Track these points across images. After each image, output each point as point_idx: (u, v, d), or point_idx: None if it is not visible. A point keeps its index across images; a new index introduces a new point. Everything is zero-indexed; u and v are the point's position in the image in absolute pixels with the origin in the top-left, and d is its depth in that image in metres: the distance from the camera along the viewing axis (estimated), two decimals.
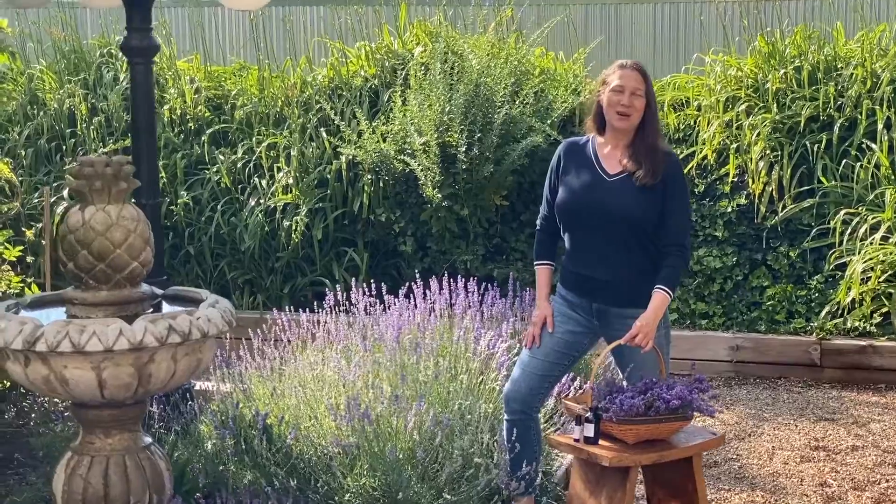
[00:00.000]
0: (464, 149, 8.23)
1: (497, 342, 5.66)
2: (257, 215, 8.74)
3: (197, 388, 6.25)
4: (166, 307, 4.51)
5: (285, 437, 5.26)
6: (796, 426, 6.61)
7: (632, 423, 4.42)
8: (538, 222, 5.03)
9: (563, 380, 5.47)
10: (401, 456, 4.91)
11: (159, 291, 4.61)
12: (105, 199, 4.23)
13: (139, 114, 6.11)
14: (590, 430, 4.49)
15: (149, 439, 4.37)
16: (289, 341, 6.03)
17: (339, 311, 6.06)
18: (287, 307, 8.53)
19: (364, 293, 6.17)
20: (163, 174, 9.06)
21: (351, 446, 5.05)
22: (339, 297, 6.14)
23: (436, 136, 8.29)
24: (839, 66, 8.81)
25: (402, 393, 5.19)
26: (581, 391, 5.23)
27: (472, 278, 6.38)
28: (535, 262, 5.05)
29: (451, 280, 6.29)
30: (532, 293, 6.64)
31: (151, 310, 4.41)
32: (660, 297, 4.60)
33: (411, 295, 6.18)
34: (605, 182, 4.71)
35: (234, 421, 5.34)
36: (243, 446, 5.28)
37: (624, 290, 4.70)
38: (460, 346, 5.68)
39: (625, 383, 4.72)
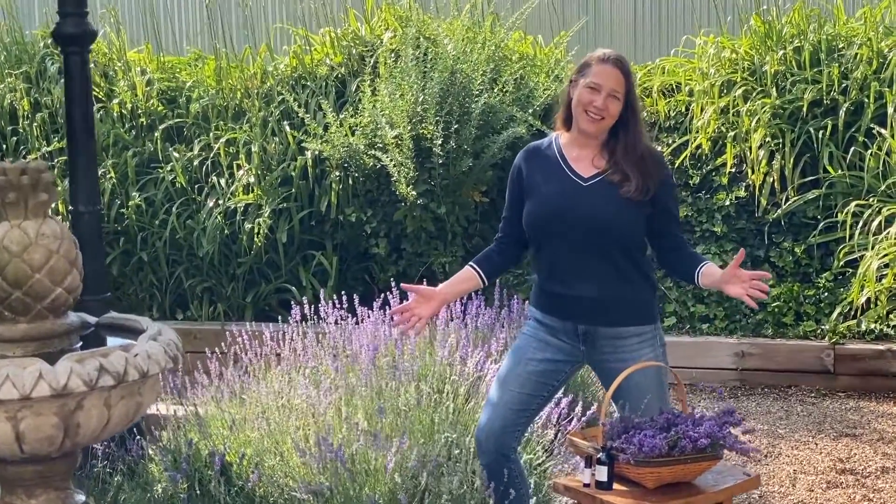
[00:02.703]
0: (440, 142, 7.57)
1: (486, 363, 5.00)
2: (216, 217, 8.07)
3: (147, 411, 5.54)
4: (109, 340, 3.84)
5: (246, 478, 4.60)
6: (816, 444, 5.96)
7: (652, 466, 3.76)
8: (496, 236, 4.35)
9: (562, 403, 4.83)
10: (380, 501, 4.25)
11: (92, 320, 3.93)
12: (21, 214, 3.55)
13: (75, 109, 5.42)
14: (602, 473, 3.82)
15: (82, 497, 3.69)
16: (251, 362, 5.34)
17: (308, 325, 5.39)
18: (250, 317, 7.97)
19: (334, 306, 5.50)
20: (112, 174, 8.40)
21: (322, 488, 4.39)
22: (307, 310, 5.46)
23: (409, 128, 7.62)
24: (841, 47, 8.19)
25: (381, 427, 4.52)
26: (584, 422, 4.57)
27: None
28: (468, 263, 4.33)
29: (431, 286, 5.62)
30: (520, 304, 6.02)
31: (81, 344, 3.72)
32: (716, 268, 3.98)
33: (387, 307, 5.51)
34: (581, 188, 4.03)
35: (188, 461, 4.66)
36: (198, 490, 4.61)
37: (612, 307, 4.03)
38: (444, 368, 5.01)
39: (615, 411, 4.07)
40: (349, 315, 5.52)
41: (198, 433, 4.94)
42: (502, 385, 4.16)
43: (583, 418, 4.90)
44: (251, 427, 4.90)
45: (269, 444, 4.77)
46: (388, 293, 5.56)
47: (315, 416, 4.79)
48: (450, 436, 4.60)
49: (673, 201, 4.13)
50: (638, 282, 4.05)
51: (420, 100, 7.70)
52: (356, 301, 5.71)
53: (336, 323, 5.46)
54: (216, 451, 4.65)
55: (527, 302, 6.06)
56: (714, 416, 3.84)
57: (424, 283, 5.74)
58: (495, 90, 7.91)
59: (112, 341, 3.77)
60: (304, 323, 5.39)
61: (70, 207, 5.46)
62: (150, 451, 5.02)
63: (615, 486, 3.84)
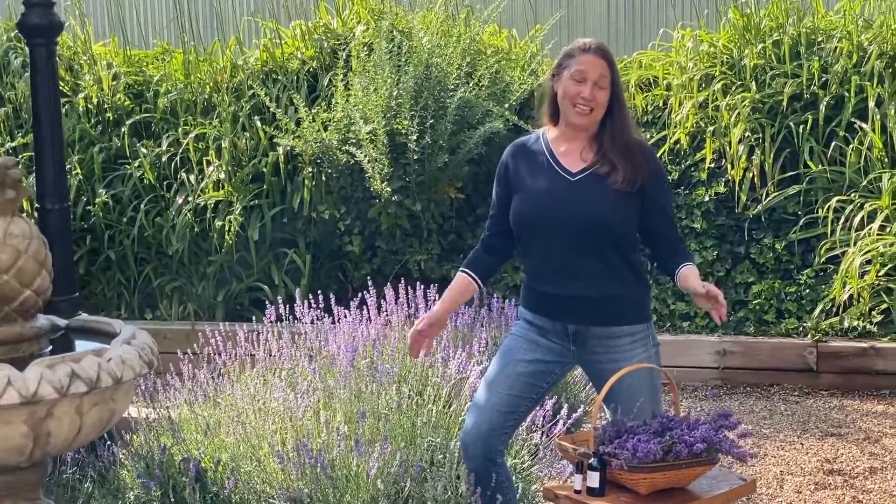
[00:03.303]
0: (415, 137, 7.41)
1: (469, 364, 4.85)
2: (185, 215, 7.89)
3: None
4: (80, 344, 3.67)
5: (222, 484, 4.44)
6: (802, 444, 5.85)
7: (646, 471, 3.62)
8: (482, 235, 4.22)
9: (547, 405, 4.69)
10: None
11: (62, 323, 3.76)
12: None
13: (41, 103, 5.22)
14: (594, 479, 3.68)
15: None
16: (224, 364, 5.17)
17: (283, 325, 5.23)
18: (221, 317, 7.79)
19: (310, 306, 5.34)
20: (78, 171, 8.21)
21: (302, 495, 4.24)
22: (282, 309, 5.30)
23: (383, 123, 7.46)
24: (820, 40, 8.09)
25: (362, 432, 4.37)
26: (570, 424, 4.43)
27: (431, 285, 5.57)
28: (459, 269, 4.21)
29: (407, 286, 5.49)
30: (499, 302, 5.88)
31: (51, 349, 3.55)
32: (694, 271, 3.86)
33: (364, 307, 5.36)
34: (569, 183, 3.90)
35: (161, 467, 4.50)
36: (172, 498, 4.45)
37: (604, 305, 3.90)
38: (426, 370, 4.86)
39: (607, 413, 3.94)
40: (325, 315, 5.38)
41: (171, 438, 4.77)
42: (490, 387, 4.03)
43: (568, 420, 4.77)
44: (226, 431, 4.74)
45: (246, 449, 4.61)
46: (364, 292, 5.41)
47: (293, 420, 4.64)
48: (433, 440, 4.46)
49: (663, 194, 3.99)
50: (629, 279, 3.92)
51: (394, 94, 7.54)
52: (332, 300, 5.57)
53: (312, 323, 5.31)
54: (191, 457, 4.49)
55: (506, 300, 5.98)
56: (709, 420, 3.71)
57: (402, 281, 5.61)
58: (471, 84, 7.76)
59: (83, 345, 3.61)
60: (279, 323, 5.23)
61: (37, 205, 5.27)
62: (122, 457, 4.85)
63: (607, 492, 3.70)
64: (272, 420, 4.66)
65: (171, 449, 4.66)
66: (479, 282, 4.15)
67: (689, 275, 3.83)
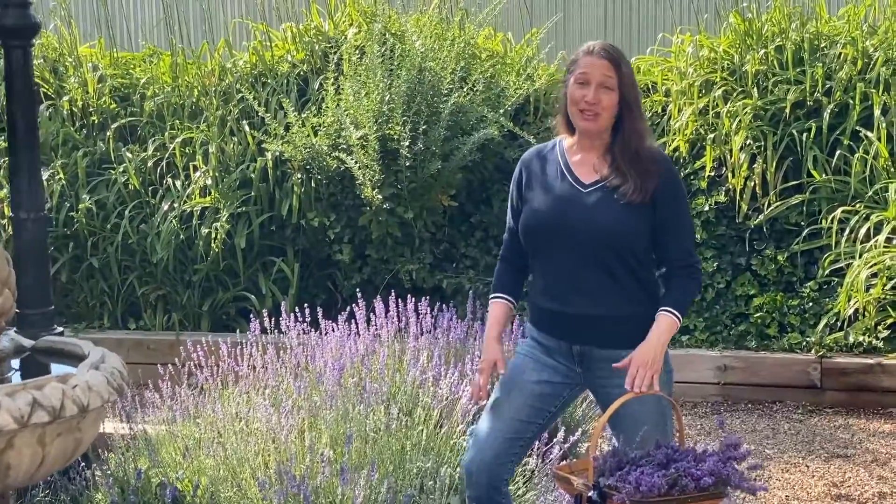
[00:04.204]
0: (407, 143, 7.19)
1: (461, 385, 4.63)
2: (171, 222, 7.67)
3: None
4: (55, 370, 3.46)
5: None
6: (808, 467, 5.63)
7: None
8: (501, 252, 4.00)
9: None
10: None
11: (27, 343, 3.54)
12: None
13: (17, 108, 5.00)
14: None
15: None
16: (206, 380, 4.95)
17: (268, 337, 5.03)
18: (207, 327, 7.57)
19: (296, 319, 5.13)
20: (62, 175, 7.99)
21: None
22: (267, 322, 5.09)
23: (375, 128, 7.24)
24: (823, 46, 7.88)
25: (348, 457, 4.15)
26: (567, 448, 4.21)
27: (423, 298, 5.38)
28: (490, 296, 3.99)
29: (398, 298, 5.29)
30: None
31: (15, 372, 3.34)
32: (665, 321, 3.59)
33: (353, 320, 5.15)
34: (580, 194, 3.68)
35: (137, 493, 4.28)
36: None
37: (610, 326, 3.66)
38: (415, 389, 4.64)
39: (614, 441, 3.73)
40: (311, 329, 5.17)
41: (148, 460, 4.55)
42: (495, 411, 3.80)
43: (565, 444, 4.54)
44: (206, 453, 4.52)
45: (226, 473, 4.40)
46: (354, 305, 5.20)
47: (276, 442, 4.42)
48: (423, 465, 4.24)
49: (668, 210, 3.67)
50: (640, 299, 3.67)
51: (386, 99, 7.33)
52: (319, 314, 5.36)
53: (298, 335, 5.10)
54: (167, 483, 4.27)
55: None
56: (717, 451, 3.49)
57: (393, 292, 5.40)
58: (465, 89, 7.54)
59: (57, 369, 3.39)
60: (264, 336, 5.02)
61: (11, 214, 5.05)
62: (98, 478, 4.62)
63: None
64: (255, 441, 4.45)
65: (147, 472, 4.43)
66: (514, 302, 3.94)
67: (651, 329, 3.59)
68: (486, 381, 3.83)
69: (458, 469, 4.25)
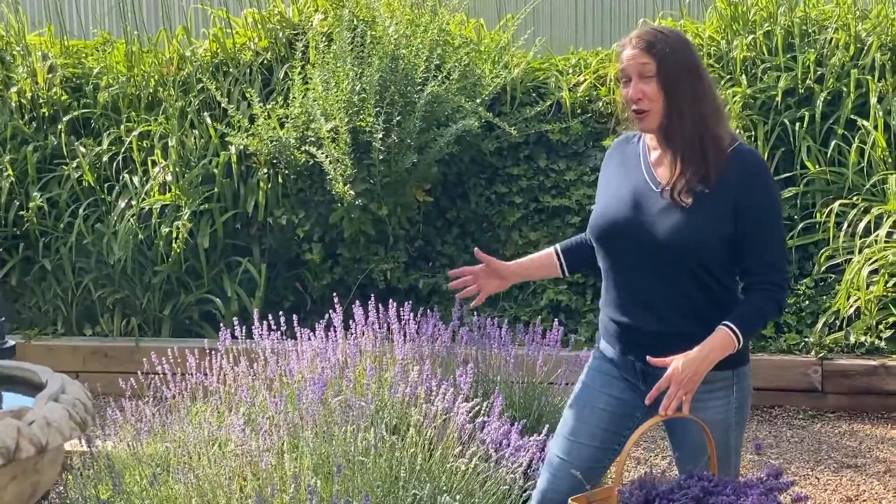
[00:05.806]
0: (380, 135, 6.78)
1: (456, 401, 4.21)
2: (129, 220, 7.23)
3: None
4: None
5: None
6: (817, 479, 5.27)
7: None
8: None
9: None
10: None
11: None
12: None
13: None
14: None
15: None
16: (173, 397, 4.53)
17: (238, 346, 4.63)
18: (168, 332, 7.14)
19: (269, 328, 4.72)
20: (10, 172, 7.59)
21: None
22: (237, 329, 4.69)
23: (346, 120, 6.83)
24: (813, 31, 7.53)
25: (342, 485, 3.74)
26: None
27: (398, 299, 4.97)
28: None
29: (377, 302, 4.88)
30: (482, 320, 5.28)
31: None
32: (720, 337, 3.13)
33: (331, 328, 4.74)
34: (652, 196, 3.27)
35: None
36: None
37: (676, 346, 3.18)
38: (404, 409, 4.24)
39: (642, 470, 3.35)
40: (285, 337, 4.76)
41: (111, 488, 4.12)
42: (569, 437, 3.40)
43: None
44: (175, 478, 4.09)
45: (199, 502, 3.97)
46: (331, 312, 4.79)
47: (252, 465, 4.00)
48: (419, 492, 3.84)
49: (753, 217, 3.19)
50: (712, 316, 3.19)
51: (357, 88, 6.92)
52: (294, 320, 4.95)
53: (272, 343, 4.70)
54: None
55: (488, 319, 5.37)
56: (758, 481, 3.11)
57: (366, 294, 5.00)
58: (440, 78, 7.13)
59: (1, 399, 2.96)
60: (233, 343, 4.62)
61: None
62: None
63: None
64: (229, 463, 4.03)
65: (110, 501, 4.00)
66: (566, 269, 3.64)
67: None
68: (470, 276, 3.60)
69: (457, 497, 3.85)
